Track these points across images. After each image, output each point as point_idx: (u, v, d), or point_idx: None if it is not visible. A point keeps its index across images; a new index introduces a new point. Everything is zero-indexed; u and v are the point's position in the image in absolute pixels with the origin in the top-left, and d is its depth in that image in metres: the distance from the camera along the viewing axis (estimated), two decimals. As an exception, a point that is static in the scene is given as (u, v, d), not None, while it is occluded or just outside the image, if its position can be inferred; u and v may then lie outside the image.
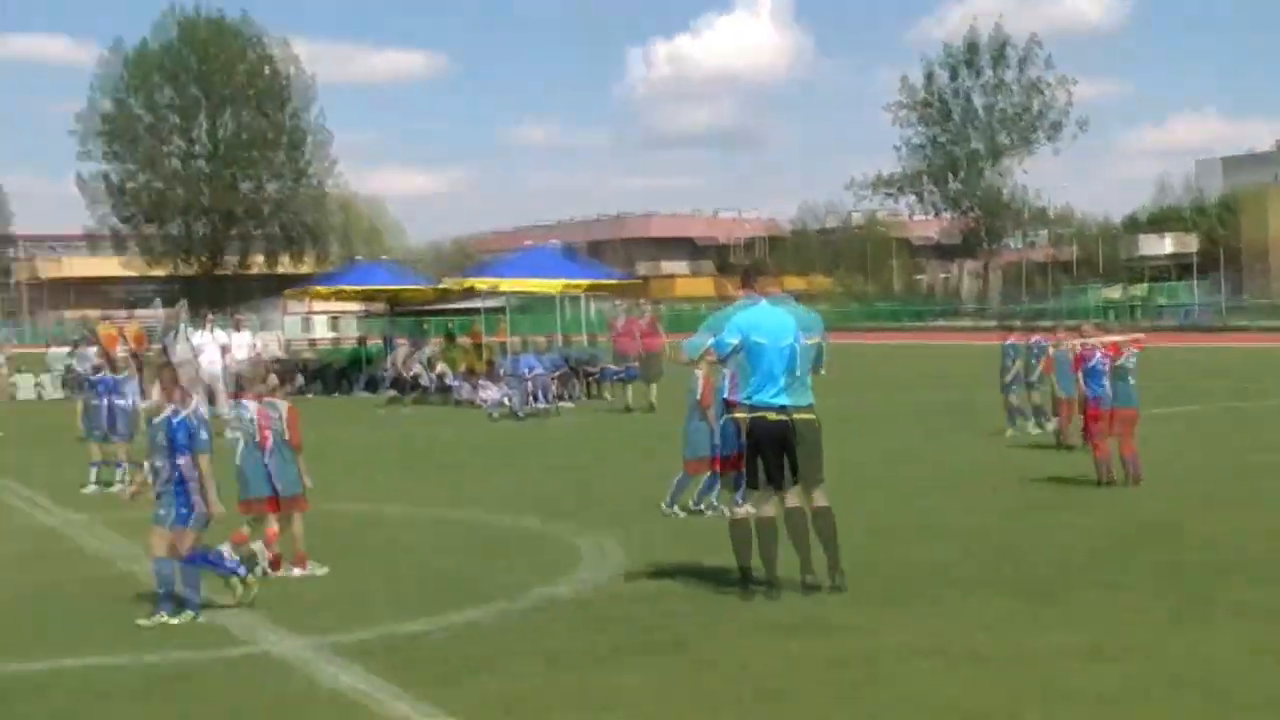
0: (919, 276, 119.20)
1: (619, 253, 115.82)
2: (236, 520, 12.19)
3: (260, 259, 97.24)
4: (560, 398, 31.97)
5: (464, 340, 39.31)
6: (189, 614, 10.81)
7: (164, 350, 26.40)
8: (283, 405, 12.76)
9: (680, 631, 10.08)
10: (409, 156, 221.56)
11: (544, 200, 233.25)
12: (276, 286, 72.44)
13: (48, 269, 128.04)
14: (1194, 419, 25.00)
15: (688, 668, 9.14)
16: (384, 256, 60.10)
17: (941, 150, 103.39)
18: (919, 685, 8.54)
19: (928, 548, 13.09)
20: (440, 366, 36.07)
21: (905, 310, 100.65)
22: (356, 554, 13.49)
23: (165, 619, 10.74)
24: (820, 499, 11.27)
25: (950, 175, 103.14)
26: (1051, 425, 21.74)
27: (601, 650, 9.64)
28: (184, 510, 10.94)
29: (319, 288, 47.40)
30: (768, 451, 11.03)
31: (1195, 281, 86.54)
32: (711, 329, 11.59)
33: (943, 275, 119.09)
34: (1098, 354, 17.27)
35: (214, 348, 30.12)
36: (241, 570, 11.35)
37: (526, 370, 30.44)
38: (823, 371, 11.48)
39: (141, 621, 10.76)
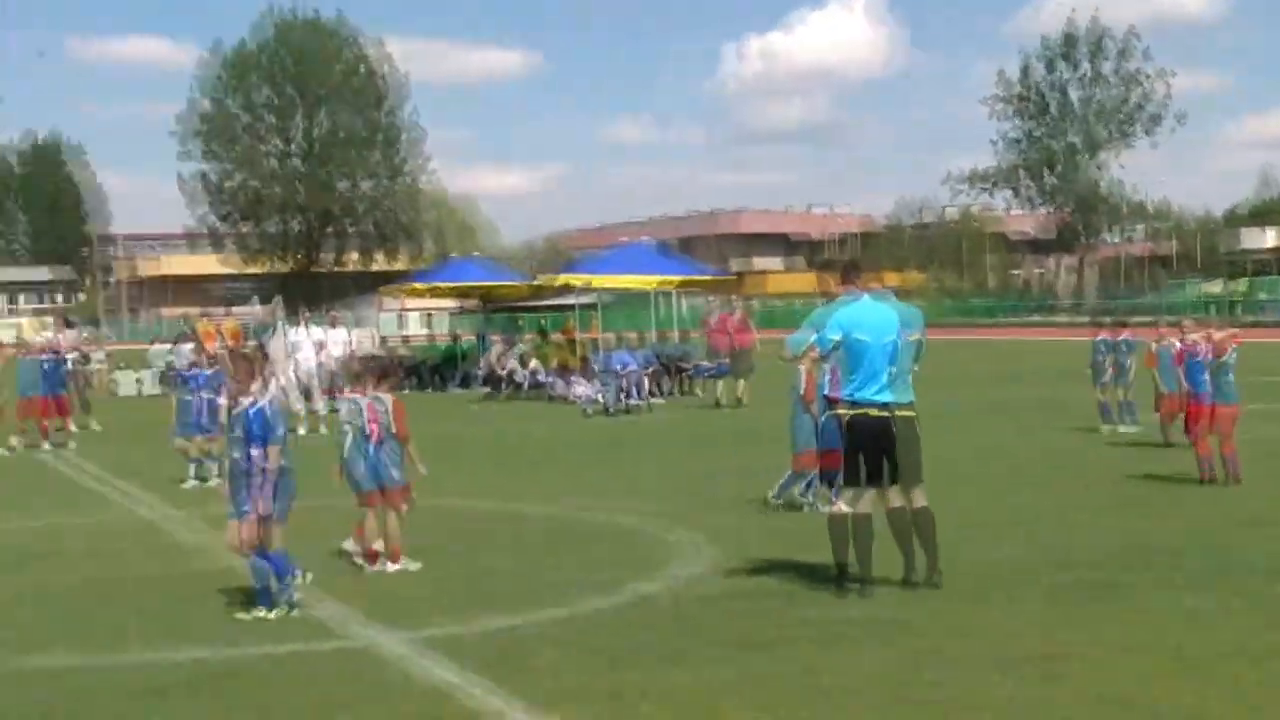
0: (1015, 272, 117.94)
1: (711, 249, 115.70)
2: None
3: (355, 256, 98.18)
4: (652, 394, 31.97)
5: (557, 336, 39.41)
6: (285, 608, 10.89)
7: (260, 347, 26.61)
8: (388, 399, 12.86)
9: (773, 628, 10.02)
10: (502, 155, 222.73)
11: (636, 197, 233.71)
12: (371, 283, 73.15)
13: (147, 268, 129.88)
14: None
15: (780, 665, 9.08)
16: (476, 254, 60.44)
17: (1038, 144, 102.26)
18: (1008, 690, 8.43)
19: (1019, 546, 12.95)
20: (534, 363, 36.21)
21: (1000, 306, 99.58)
22: (450, 549, 13.52)
23: (263, 613, 10.83)
24: (919, 499, 11.24)
25: (1047, 169, 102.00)
26: (1137, 427, 21.49)
27: (693, 647, 9.60)
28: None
29: (414, 284, 47.67)
30: (869, 448, 10.97)
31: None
32: (814, 325, 11.55)
33: (1038, 271, 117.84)
34: (1200, 349, 17.00)
35: (310, 345, 30.37)
36: (293, 576, 11.24)
37: (620, 366, 30.46)
38: (917, 367, 11.43)
39: (240, 615, 10.87)
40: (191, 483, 19.16)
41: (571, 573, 12.36)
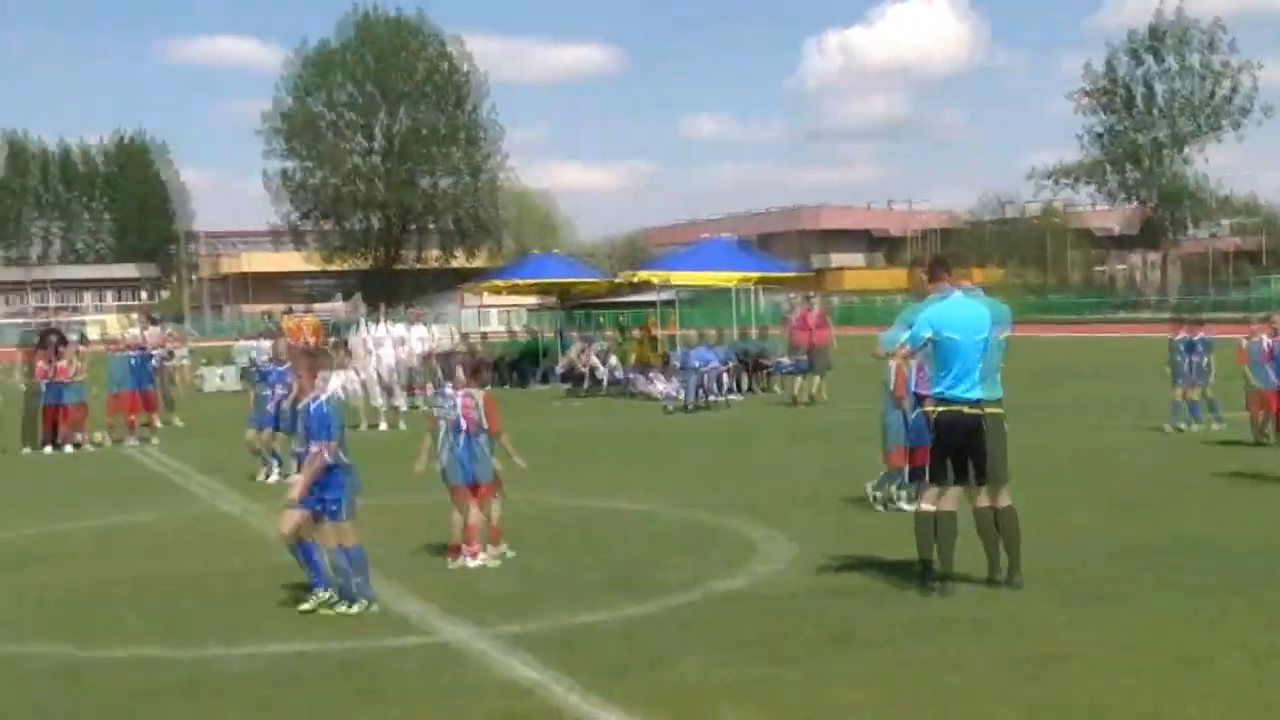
0: (1099, 268, 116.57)
1: (791, 245, 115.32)
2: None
3: (435, 253, 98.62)
4: (731, 390, 31.89)
5: (637, 333, 39.39)
6: (365, 602, 10.92)
7: (342, 344, 26.77)
8: (479, 394, 12.89)
9: (854, 626, 9.94)
10: (581, 152, 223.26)
11: (715, 193, 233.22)
12: (451, 280, 73.51)
13: (229, 265, 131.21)
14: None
15: (860, 663, 9.00)
16: (556, 250, 60.52)
17: (1123, 138, 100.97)
18: (1087, 685, 8.32)
19: (1104, 545, 12.76)
20: (613, 359, 36.22)
21: (1083, 303, 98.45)
22: (530, 545, 13.51)
23: (344, 608, 10.86)
24: (1004, 498, 11.14)
25: (1132, 164, 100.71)
26: (1222, 425, 21.21)
27: (774, 645, 9.53)
28: (330, 497, 10.97)
29: (494, 281, 47.80)
30: (958, 445, 10.87)
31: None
32: (906, 322, 11.48)
33: (1121, 267, 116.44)
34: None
35: (390, 341, 30.51)
36: (323, 589, 11.18)
37: (699, 363, 30.43)
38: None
39: (322, 610, 10.90)
40: (274, 476, 19.29)
41: (652, 570, 12.32)
